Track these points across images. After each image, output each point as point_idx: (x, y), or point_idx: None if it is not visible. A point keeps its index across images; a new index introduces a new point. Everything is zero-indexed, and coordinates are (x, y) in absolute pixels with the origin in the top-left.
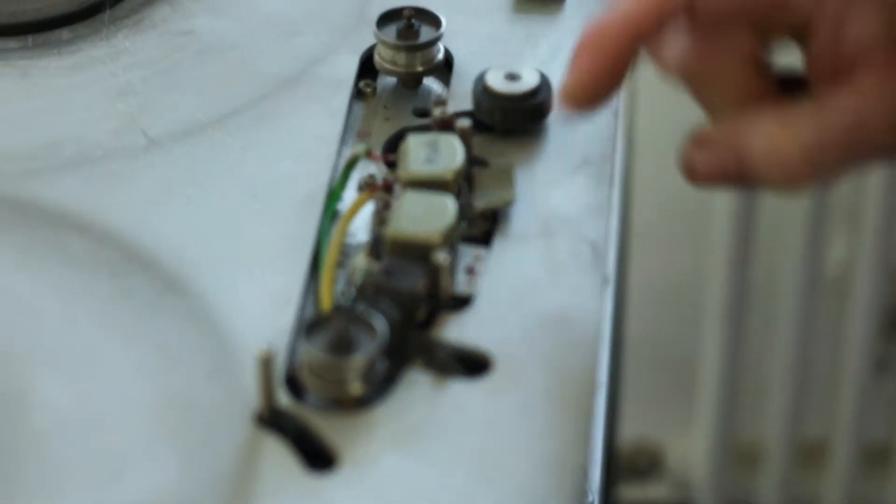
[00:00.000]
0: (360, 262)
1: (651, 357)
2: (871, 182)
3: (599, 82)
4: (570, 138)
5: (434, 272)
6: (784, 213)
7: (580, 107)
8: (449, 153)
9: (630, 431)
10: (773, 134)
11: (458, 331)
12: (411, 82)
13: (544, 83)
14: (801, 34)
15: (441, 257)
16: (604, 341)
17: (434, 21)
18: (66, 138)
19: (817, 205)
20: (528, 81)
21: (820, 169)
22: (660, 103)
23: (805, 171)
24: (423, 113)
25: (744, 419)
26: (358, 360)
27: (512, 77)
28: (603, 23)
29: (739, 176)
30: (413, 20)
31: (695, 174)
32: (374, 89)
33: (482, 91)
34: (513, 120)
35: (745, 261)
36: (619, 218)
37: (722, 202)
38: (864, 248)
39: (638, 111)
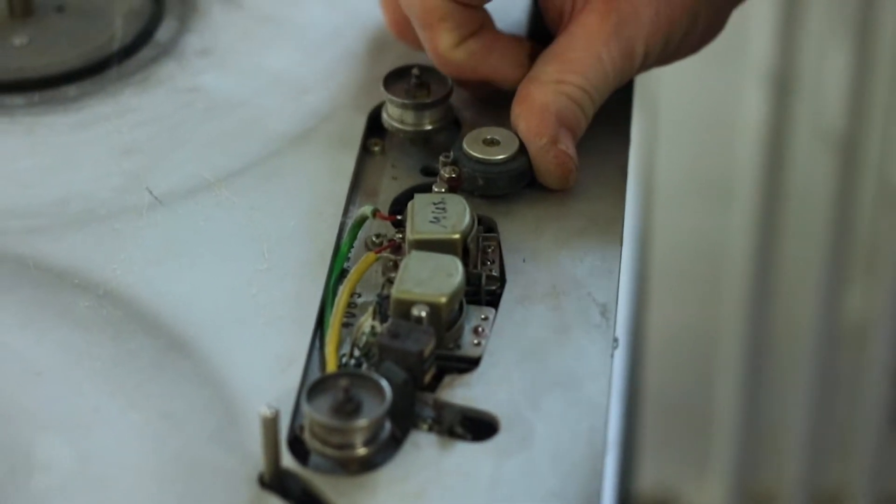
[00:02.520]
0: (366, 323)
1: (668, 405)
2: (888, 232)
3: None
4: (578, 198)
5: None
6: (801, 263)
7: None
8: (456, 214)
9: (647, 479)
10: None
11: (465, 392)
12: (419, 141)
13: (522, 147)
14: None
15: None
16: (614, 400)
17: (442, 80)
18: (71, 196)
19: (834, 255)
20: (507, 146)
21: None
22: (677, 158)
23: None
24: (431, 172)
25: (760, 468)
26: (363, 424)
27: (490, 142)
28: None
29: None
30: (421, 78)
31: None
32: (382, 147)
33: (462, 157)
34: (496, 186)
35: (762, 311)
36: (637, 269)
37: (738, 253)
38: (881, 298)
39: (657, 166)
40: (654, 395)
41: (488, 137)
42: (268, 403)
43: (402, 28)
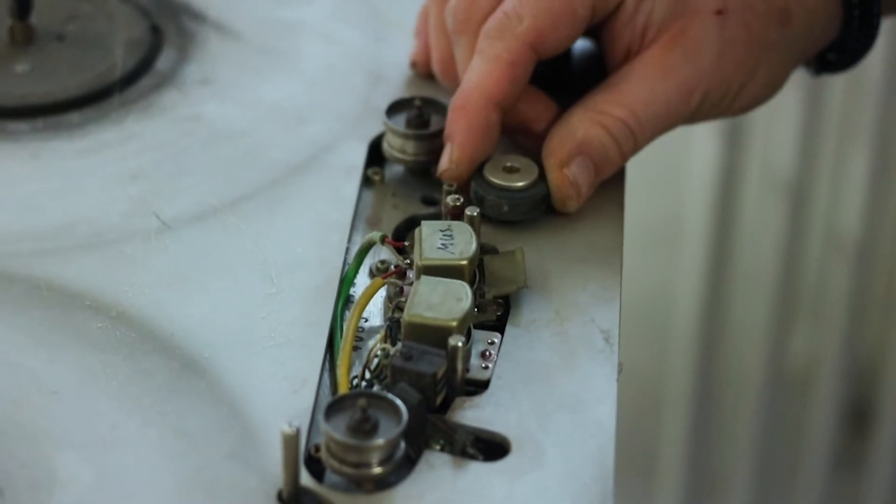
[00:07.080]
0: (377, 346)
1: (616, 447)
2: (834, 277)
3: (475, 157)
4: (578, 227)
5: (451, 355)
6: (748, 307)
7: (462, 179)
8: (463, 240)
9: None
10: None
11: (476, 414)
12: (418, 170)
13: (542, 173)
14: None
15: (457, 341)
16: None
17: (442, 111)
18: (79, 220)
19: (781, 299)
20: (527, 172)
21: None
22: (628, 202)
23: None
24: (431, 201)
25: None
26: (380, 443)
27: (510, 170)
28: (466, 97)
29: None
30: (422, 110)
31: None
32: (382, 177)
33: (484, 184)
34: (519, 211)
35: (709, 354)
36: None
37: (687, 296)
38: (827, 343)
39: None
40: None
41: (507, 165)
42: (289, 421)
43: (447, 67)
